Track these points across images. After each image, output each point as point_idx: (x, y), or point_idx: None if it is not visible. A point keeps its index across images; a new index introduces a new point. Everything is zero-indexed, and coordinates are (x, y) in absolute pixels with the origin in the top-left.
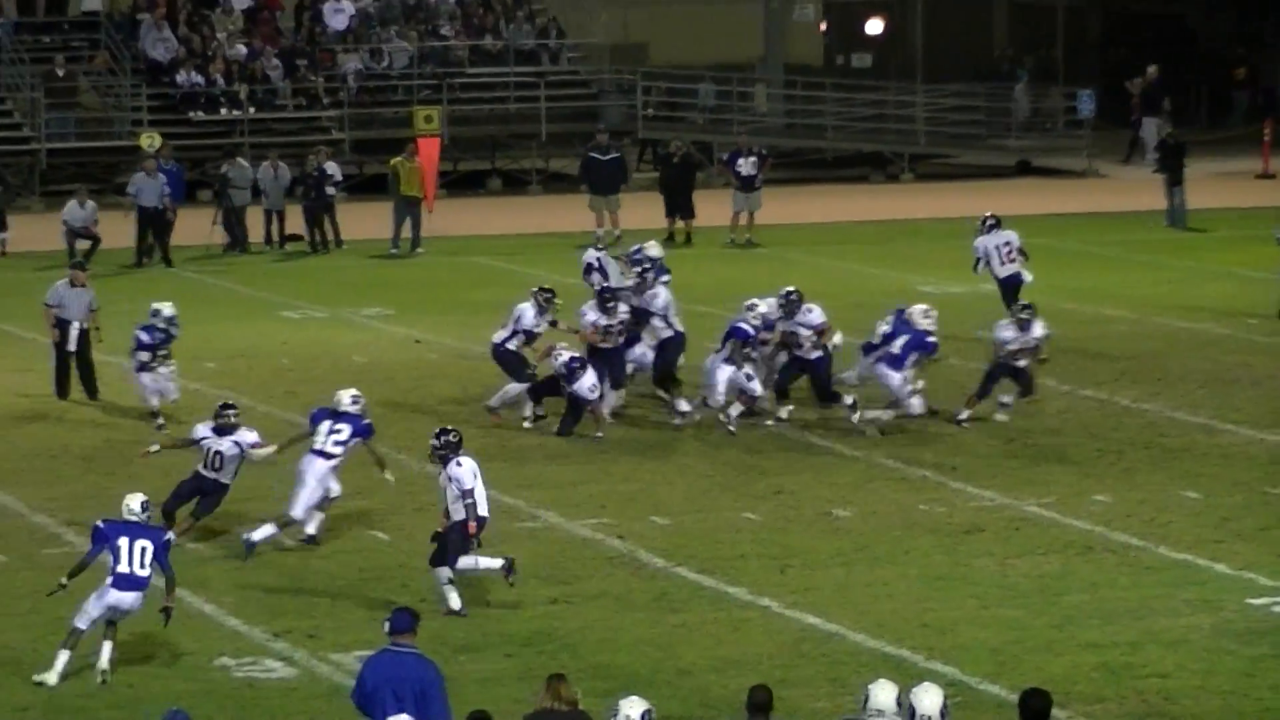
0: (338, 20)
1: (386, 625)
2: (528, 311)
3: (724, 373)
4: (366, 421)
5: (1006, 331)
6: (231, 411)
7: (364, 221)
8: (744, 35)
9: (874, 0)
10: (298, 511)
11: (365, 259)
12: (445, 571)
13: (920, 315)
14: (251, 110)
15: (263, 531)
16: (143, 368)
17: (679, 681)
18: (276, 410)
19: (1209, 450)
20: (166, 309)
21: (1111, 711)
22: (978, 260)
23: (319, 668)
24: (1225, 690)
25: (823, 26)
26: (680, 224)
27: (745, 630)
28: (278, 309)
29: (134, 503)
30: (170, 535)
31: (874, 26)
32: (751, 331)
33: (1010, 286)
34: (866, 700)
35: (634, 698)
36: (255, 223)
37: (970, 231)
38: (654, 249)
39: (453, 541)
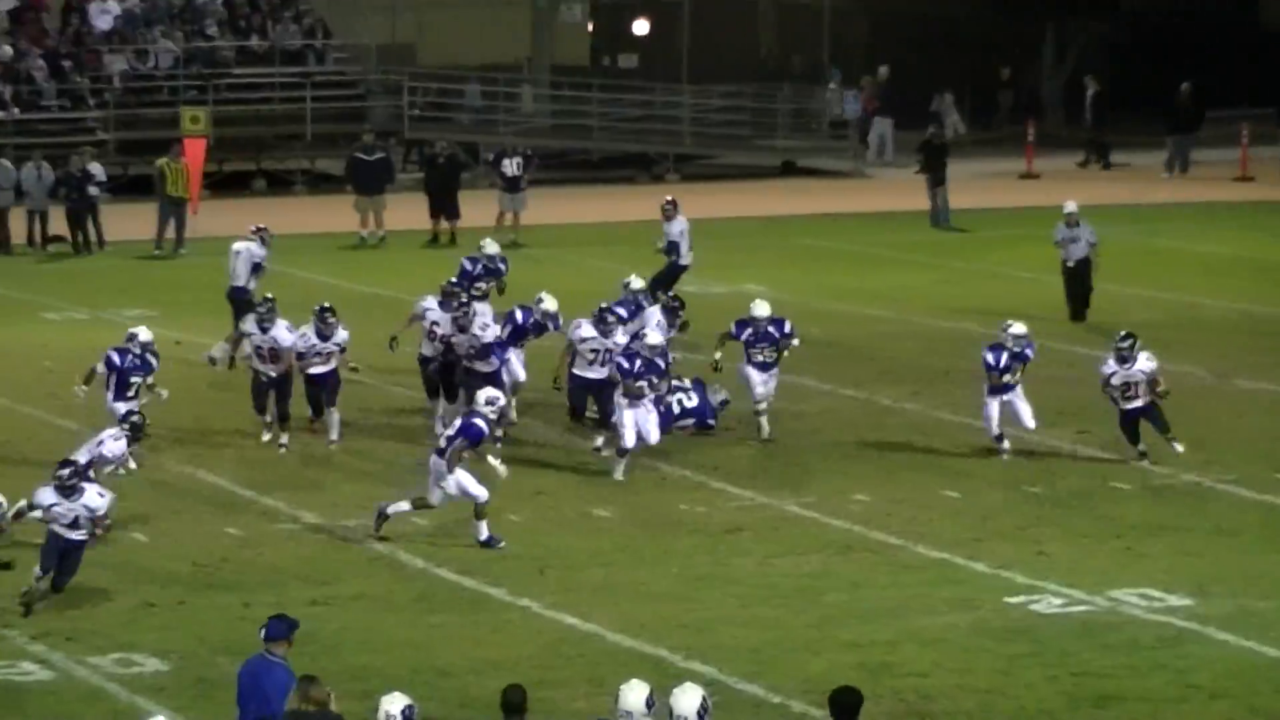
0: (103, 21)
1: (262, 632)
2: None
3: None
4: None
5: (1107, 366)
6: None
7: (128, 222)
8: (512, 36)
9: (641, 1)
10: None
11: (129, 260)
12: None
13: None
14: (16, 111)
15: (397, 506)
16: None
17: (438, 682)
18: (39, 413)
19: (969, 450)
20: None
21: (869, 711)
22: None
23: (77, 670)
24: (982, 689)
25: (590, 27)
26: (445, 225)
27: (505, 631)
28: (40, 310)
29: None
30: None
31: (640, 27)
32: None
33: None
34: (617, 700)
35: (396, 694)
36: (18, 224)
37: (738, 233)
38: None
39: None
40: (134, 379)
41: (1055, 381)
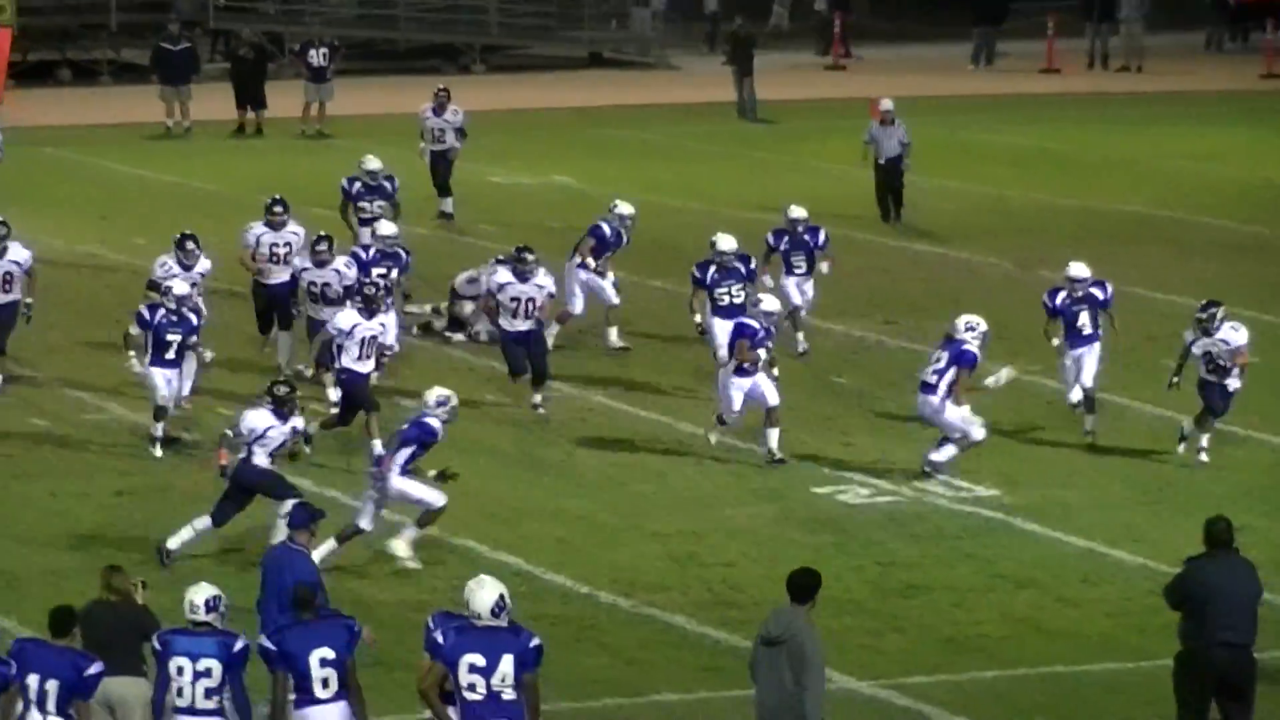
0: None
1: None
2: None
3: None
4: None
5: (1189, 333)
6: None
7: None
8: None
9: None
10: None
11: None
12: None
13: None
14: None
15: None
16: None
17: (244, 574)
18: None
19: (779, 340)
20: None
21: (676, 601)
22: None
23: None
24: (784, 577)
25: None
26: (251, 115)
27: None
28: None
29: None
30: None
31: None
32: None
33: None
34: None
35: (202, 584)
36: None
37: (545, 125)
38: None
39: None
40: (170, 337)
41: (865, 272)
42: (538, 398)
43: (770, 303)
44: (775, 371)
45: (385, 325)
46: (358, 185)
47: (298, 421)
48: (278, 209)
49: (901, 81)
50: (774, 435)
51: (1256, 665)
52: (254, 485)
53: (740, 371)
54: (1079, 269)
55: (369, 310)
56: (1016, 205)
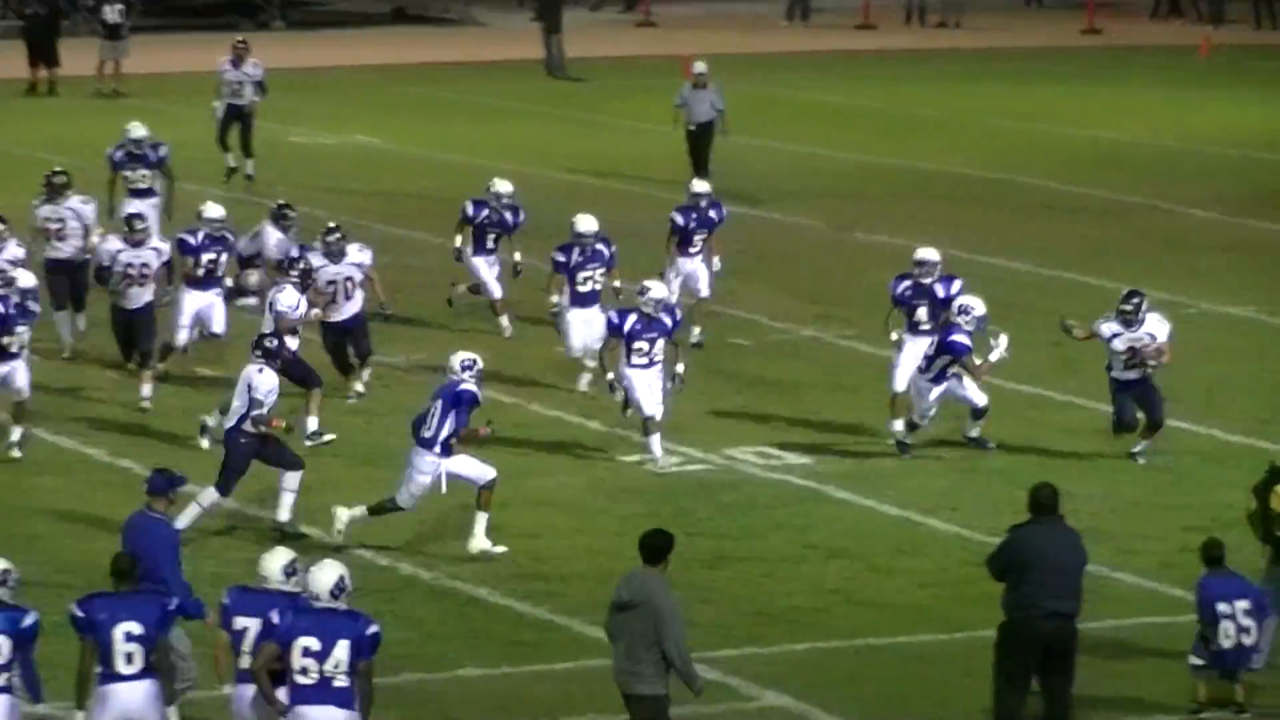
0: None
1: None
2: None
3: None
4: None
5: (1105, 324)
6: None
7: None
8: None
9: None
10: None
11: None
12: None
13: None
14: None
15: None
16: None
17: (32, 545)
18: None
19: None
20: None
21: (480, 573)
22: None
23: None
24: (596, 549)
25: None
26: (44, 73)
27: (106, 491)
28: None
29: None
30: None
31: None
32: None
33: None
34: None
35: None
36: None
37: (347, 82)
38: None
39: None
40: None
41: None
42: (359, 386)
43: (659, 289)
44: (681, 386)
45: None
46: (121, 153)
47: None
48: (58, 179)
49: (713, 39)
50: (654, 441)
51: (1078, 636)
52: (264, 457)
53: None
54: (927, 253)
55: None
56: (832, 165)
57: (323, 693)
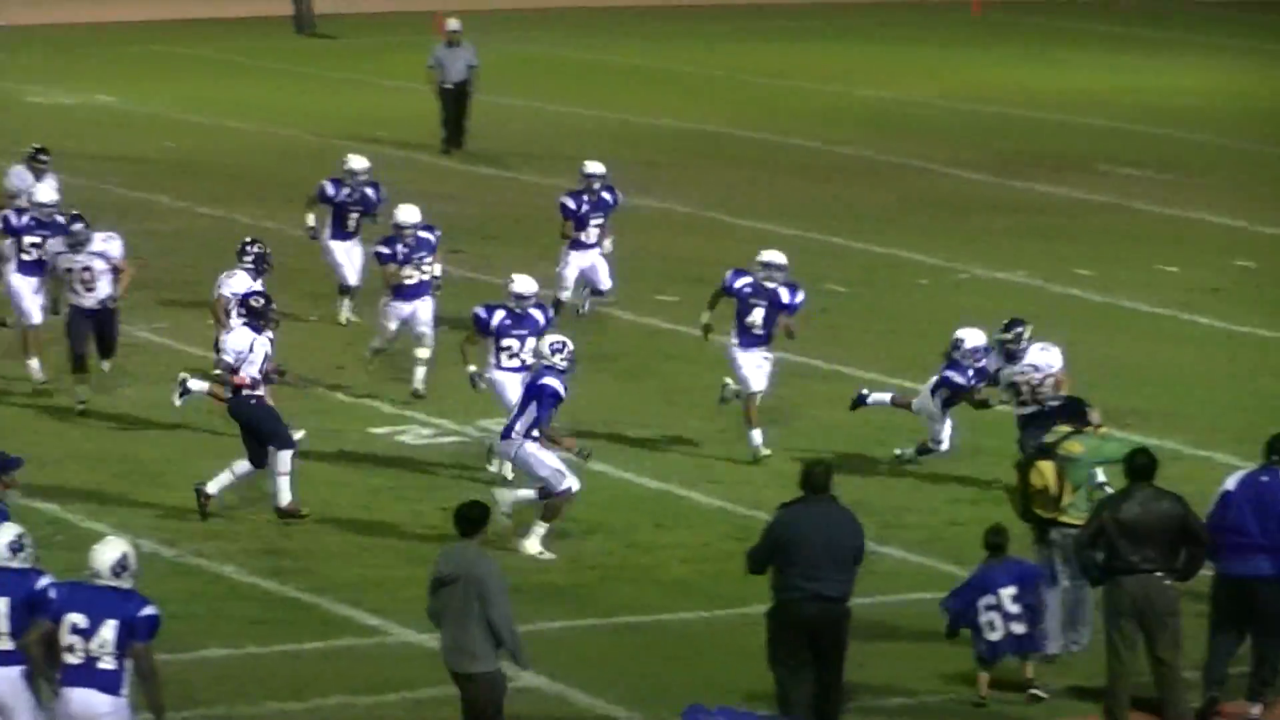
0: None
1: None
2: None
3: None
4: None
5: (991, 358)
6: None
7: None
8: None
9: None
10: None
11: None
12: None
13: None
14: None
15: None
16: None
17: None
18: None
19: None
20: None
21: (225, 550)
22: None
23: None
24: (345, 524)
25: None
26: None
27: None
28: None
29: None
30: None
31: None
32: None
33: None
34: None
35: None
36: None
37: (87, 41)
38: None
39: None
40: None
41: (429, 198)
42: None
43: (524, 283)
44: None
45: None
46: None
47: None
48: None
49: None
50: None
51: (849, 619)
52: (250, 422)
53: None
54: (774, 255)
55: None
56: (589, 126)
57: (86, 674)
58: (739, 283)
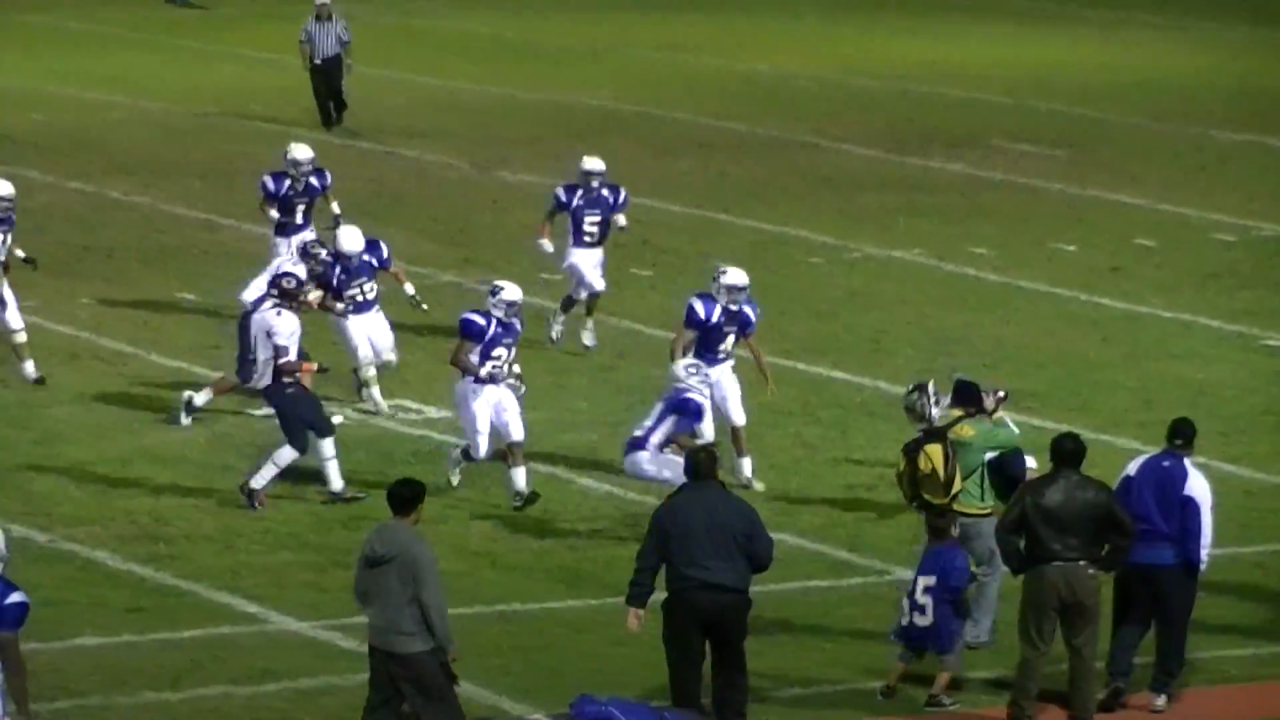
0: None
1: None
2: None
3: None
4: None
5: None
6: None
7: None
8: None
9: None
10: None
11: None
12: None
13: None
14: None
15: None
16: None
17: None
18: None
19: (208, 248)
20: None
21: (98, 535)
22: None
23: None
24: (222, 509)
25: None
26: None
27: None
28: None
29: None
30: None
31: None
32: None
33: None
34: None
35: None
36: None
37: None
38: None
39: None
40: None
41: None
42: None
43: (511, 291)
44: (522, 387)
45: None
46: None
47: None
48: None
49: None
50: (519, 474)
51: (746, 608)
52: (291, 409)
53: (481, 380)
54: (737, 276)
55: None
56: (471, 99)
57: None
58: (715, 316)
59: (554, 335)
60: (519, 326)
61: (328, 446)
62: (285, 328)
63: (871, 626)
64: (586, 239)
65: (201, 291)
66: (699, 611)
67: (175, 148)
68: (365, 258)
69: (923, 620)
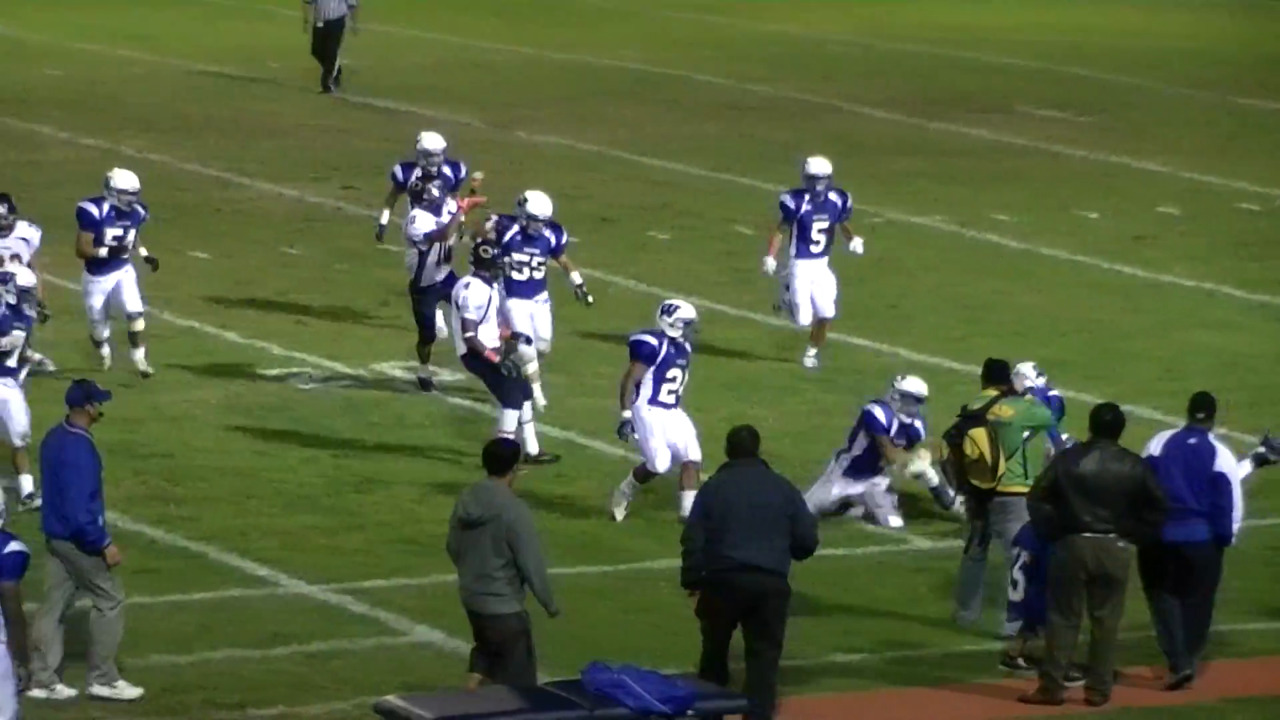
0: None
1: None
2: None
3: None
4: None
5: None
6: None
7: None
8: None
9: None
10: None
11: None
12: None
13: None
14: None
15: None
16: None
17: None
18: None
19: (222, 206)
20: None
21: (108, 495)
22: None
23: None
24: (234, 471)
25: None
26: None
27: None
28: None
29: None
30: None
31: None
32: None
33: None
34: None
35: None
36: None
37: None
38: None
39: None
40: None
41: (319, 132)
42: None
43: (687, 310)
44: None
45: None
46: None
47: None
48: None
49: None
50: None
51: (787, 594)
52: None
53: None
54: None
55: None
56: (498, 59)
57: None
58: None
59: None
60: (690, 348)
61: (510, 419)
62: (475, 298)
63: (887, 596)
64: (814, 249)
65: (217, 251)
66: (736, 593)
67: (193, 104)
68: (546, 232)
69: (1014, 595)
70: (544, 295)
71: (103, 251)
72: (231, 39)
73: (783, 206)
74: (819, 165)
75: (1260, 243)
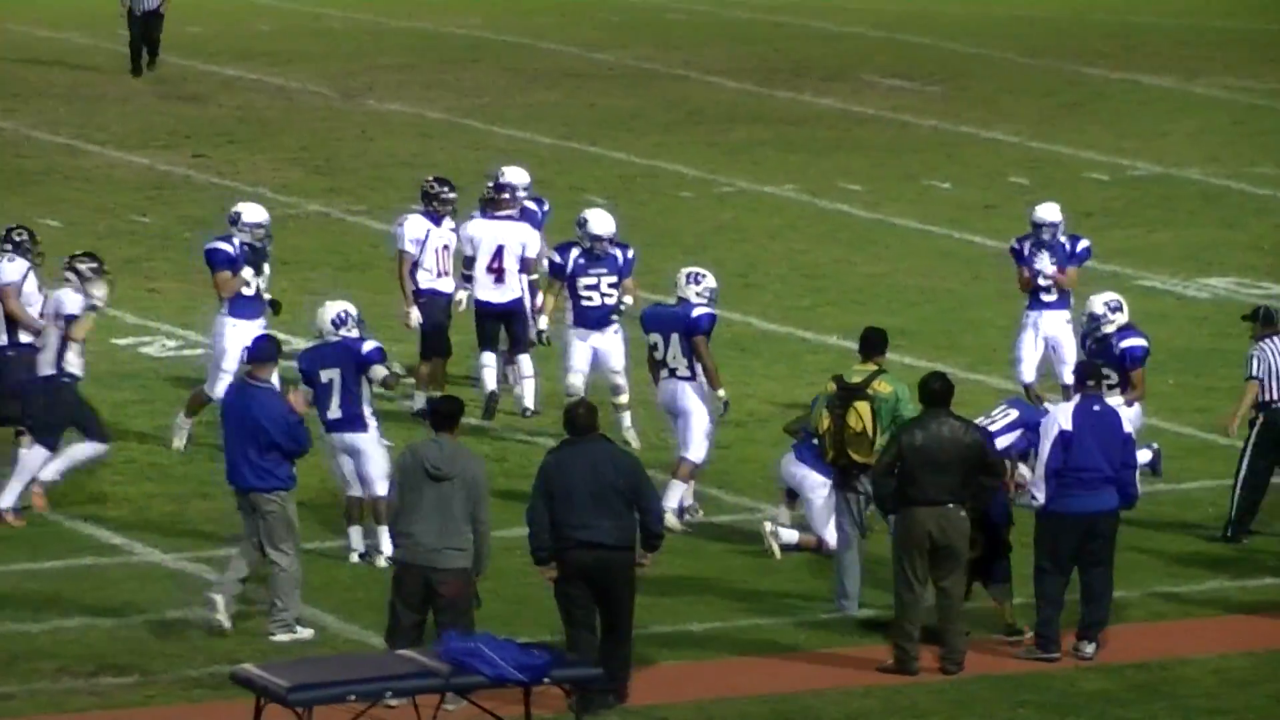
0: None
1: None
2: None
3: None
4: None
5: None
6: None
7: None
8: None
9: None
10: None
11: None
12: None
13: None
14: None
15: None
16: None
17: None
18: None
19: (71, 173)
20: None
21: None
22: None
23: None
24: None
25: None
26: None
27: None
28: None
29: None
30: None
31: None
32: None
33: None
34: None
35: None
36: None
37: None
38: None
39: None
40: None
41: (168, 100)
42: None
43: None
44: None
45: None
46: None
47: None
48: None
49: None
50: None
51: (631, 564)
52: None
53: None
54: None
55: None
56: (338, 26)
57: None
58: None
59: None
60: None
61: (525, 364)
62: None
63: (740, 566)
64: (1044, 298)
65: (65, 218)
66: (579, 569)
67: (38, 71)
68: (612, 251)
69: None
70: (615, 327)
71: None
72: (78, 5)
73: (1015, 253)
74: (1048, 213)
75: (1107, 212)
